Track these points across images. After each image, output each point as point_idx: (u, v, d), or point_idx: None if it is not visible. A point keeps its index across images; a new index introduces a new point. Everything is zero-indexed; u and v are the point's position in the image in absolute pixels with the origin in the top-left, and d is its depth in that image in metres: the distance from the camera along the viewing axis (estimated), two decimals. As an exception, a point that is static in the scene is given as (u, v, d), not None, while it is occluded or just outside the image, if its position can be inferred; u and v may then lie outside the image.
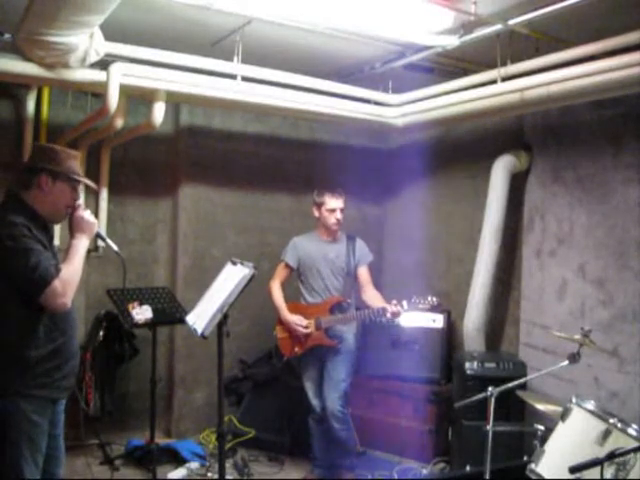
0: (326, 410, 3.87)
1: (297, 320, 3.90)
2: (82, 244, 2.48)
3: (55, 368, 2.40)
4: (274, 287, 4.05)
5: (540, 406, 3.10)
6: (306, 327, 3.89)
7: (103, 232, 2.77)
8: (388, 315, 3.69)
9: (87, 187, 4.38)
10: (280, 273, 4.09)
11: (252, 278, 2.74)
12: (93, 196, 4.60)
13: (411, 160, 5.34)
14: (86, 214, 2.53)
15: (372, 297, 3.95)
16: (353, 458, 4.03)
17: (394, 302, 3.68)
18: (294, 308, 4.00)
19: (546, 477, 2.75)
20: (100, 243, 4.58)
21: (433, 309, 3.73)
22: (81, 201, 2.60)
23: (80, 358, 2.63)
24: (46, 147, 2.60)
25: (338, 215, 3.93)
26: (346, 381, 3.90)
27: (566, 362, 3.05)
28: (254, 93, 4.04)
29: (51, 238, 2.52)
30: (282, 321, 3.99)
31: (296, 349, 3.96)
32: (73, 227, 2.51)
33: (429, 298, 3.65)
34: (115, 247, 2.70)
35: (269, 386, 4.81)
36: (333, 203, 3.92)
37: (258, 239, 5.19)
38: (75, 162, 2.55)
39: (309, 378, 4.01)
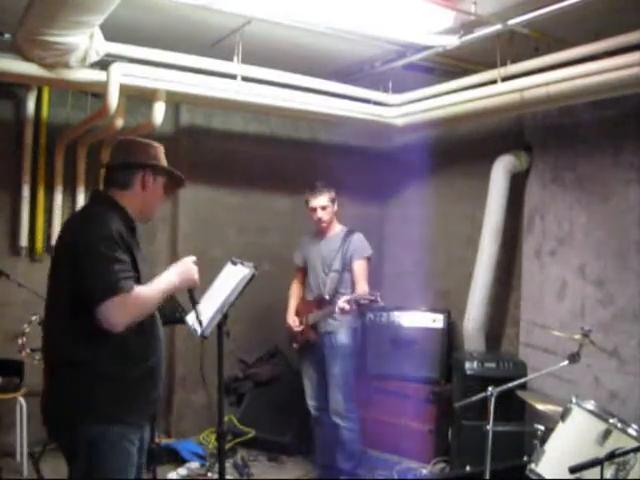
0: (329, 409, 3.86)
1: (292, 321, 4.04)
2: (169, 279, 2.20)
3: (147, 390, 2.18)
4: (292, 289, 4.19)
5: (540, 406, 3.11)
6: (298, 325, 4.00)
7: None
8: (337, 311, 3.57)
9: (87, 185, 4.53)
10: (296, 274, 4.21)
11: (252, 278, 2.73)
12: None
13: (411, 160, 5.33)
14: (191, 261, 2.31)
15: None
16: (355, 462, 3.96)
17: (344, 299, 3.56)
18: (298, 306, 4.12)
19: (546, 477, 2.76)
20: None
21: (372, 303, 3.54)
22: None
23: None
24: (140, 142, 2.34)
25: (319, 214, 3.86)
26: (345, 378, 3.83)
27: (566, 362, 3.05)
28: (254, 93, 4.04)
29: (138, 242, 2.27)
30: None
31: (294, 345, 4.08)
32: (175, 265, 2.28)
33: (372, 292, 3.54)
34: (198, 328, 2.43)
35: (269, 386, 4.81)
36: (312, 202, 3.88)
37: (258, 239, 5.17)
38: (164, 156, 2.37)
39: (305, 379, 4.07)
